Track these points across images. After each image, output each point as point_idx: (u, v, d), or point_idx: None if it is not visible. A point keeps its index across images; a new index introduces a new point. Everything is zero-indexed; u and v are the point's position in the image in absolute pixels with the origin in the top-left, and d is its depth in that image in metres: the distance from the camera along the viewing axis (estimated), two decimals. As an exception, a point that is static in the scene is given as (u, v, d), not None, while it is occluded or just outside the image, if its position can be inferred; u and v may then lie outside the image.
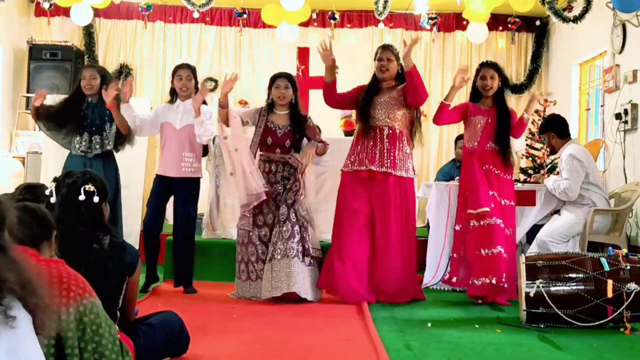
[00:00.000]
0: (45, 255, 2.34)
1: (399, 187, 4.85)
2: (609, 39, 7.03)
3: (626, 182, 6.39)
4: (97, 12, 8.15)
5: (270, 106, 4.99)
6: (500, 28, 8.86)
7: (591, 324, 3.91)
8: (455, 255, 5.00)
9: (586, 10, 6.55)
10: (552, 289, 3.98)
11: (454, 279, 4.98)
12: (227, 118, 4.84)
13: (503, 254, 4.72)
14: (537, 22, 8.84)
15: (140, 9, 8.58)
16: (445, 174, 6.75)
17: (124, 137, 5.07)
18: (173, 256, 5.26)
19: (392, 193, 4.82)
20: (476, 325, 4.06)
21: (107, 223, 2.84)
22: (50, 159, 6.30)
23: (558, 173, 5.62)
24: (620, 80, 6.82)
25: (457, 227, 5.01)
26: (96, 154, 4.99)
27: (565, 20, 6.67)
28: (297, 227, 4.75)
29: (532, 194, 5.49)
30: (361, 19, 9.15)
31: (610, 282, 3.89)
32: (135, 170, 6.41)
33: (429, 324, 4.06)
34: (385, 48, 4.98)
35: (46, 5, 7.24)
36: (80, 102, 5.04)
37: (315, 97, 5.26)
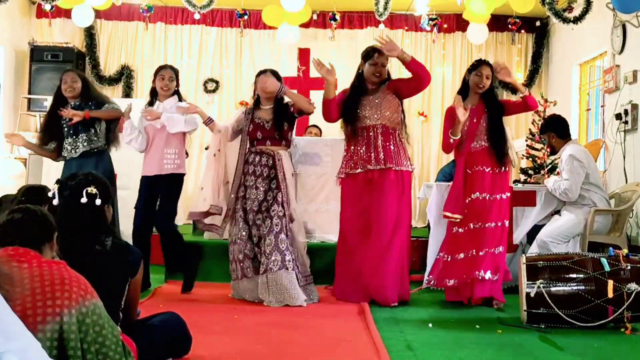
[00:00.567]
0: (46, 257, 2.36)
1: (398, 182, 4.85)
2: (609, 39, 7.04)
3: (626, 182, 6.39)
4: (98, 14, 8.16)
5: (257, 102, 5.03)
6: (501, 29, 8.88)
7: (592, 324, 3.92)
8: (443, 255, 4.90)
9: (586, 10, 6.56)
10: (553, 289, 3.99)
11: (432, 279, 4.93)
12: (213, 129, 5.04)
13: (490, 251, 4.70)
14: (538, 23, 8.86)
15: (141, 11, 8.59)
16: (445, 175, 6.74)
17: (115, 133, 5.19)
18: (165, 255, 5.29)
19: (392, 189, 4.81)
20: (477, 326, 4.07)
21: (109, 225, 2.85)
22: (51, 160, 6.30)
23: (558, 173, 5.63)
24: (621, 81, 6.83)
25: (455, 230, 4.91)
26: (84, 151, 5.07)
27: (565, 20, 6.68)
28: (288, 239, 4.77)
29: (533, 194, 5.50)
30: (362, 19, 9.16)
31: (610, 283, 3.90)
32: (136, 171, 6.38)
33: (430, 324, 4.07)
34: (382, 52, 4.88)
35: (47, 7, 7.23)
36: (63, 106, 5.11)
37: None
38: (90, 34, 8.94)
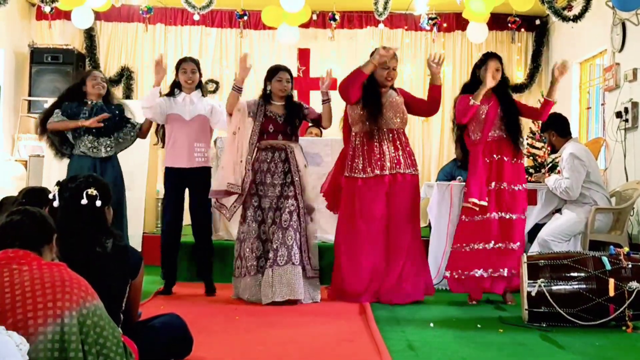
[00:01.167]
0: (46, 259, 2.36)
1: (413, 186, 4.92)
2: (608, 37, 7.03)
3: (627, 181, 6.39)
4: (98, 15, 8.16)
5: (267, 97, 5.03)
6: (501, 28, 8.87)
7: (593, 323, 3.91)
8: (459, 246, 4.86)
9: (586, 9, 6.55)
10: (554, 288, 3.99)
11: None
12: (234, 105, 4.91)
13: (502, 247, 4.73)
14: (537, 22, 8.85)
15: (140, 12, 8.59)
16: (446, 174, 6.75)
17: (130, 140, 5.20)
18: (197, 254, 5.31)
19: (410, 193, 4.88)
20: (478, 325, 4.07)
21: (110, 226, 2.85)
22: (52, 162, 6.30)
23: (559, 172, 5.63)
24: (621, 79, 6.83)
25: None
26: (106, 156, 5.01)
27: (565, 19, 6.67)
28: (298, 235, 4.79)
29: (534, 193, 5.50)
30: (361, 19, 9.16)
31: (612, 281, 3.89)
32: (138, 172, 6.42)
33: (431, 324, 4.07)
34: (394, 56, 4.86)
35: (47, 9, 7.24)
36: (81, 102, 5.04)
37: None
38: (90, 35, 8.93)
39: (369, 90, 4.87)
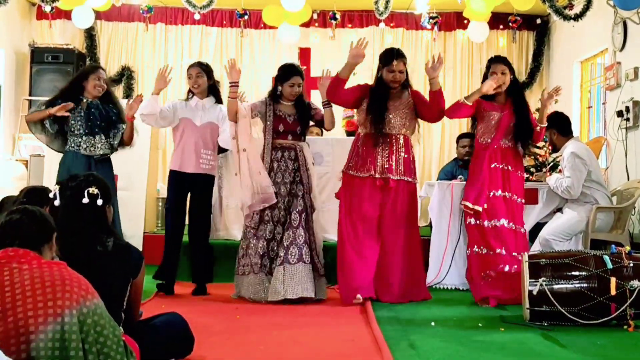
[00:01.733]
0: (46, 258, 2.36)
1: (409, 193, 4.89)
2: (609, 36, 7.03)
3: (628, 180, 6.39)
4: (99, 15, 8.16)
5: (277, 97, 5.01)
6: (501, 27, 8.86)
7: (594, 322, 3.91)
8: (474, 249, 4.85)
9: (587, 8, 6.54)
10: (555, 286, 3.98)
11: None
12: (235, 113, 4.86)
13: (503, 254, 4.71)
14: (538, 21, 8.84)
15: (141, 11, 8.59)
16: (447, 173, 6.75)
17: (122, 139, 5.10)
18: (192, 257, 5.28)
19: (405, 199, 4.85)
20: (479, 324, 4.07)
21: (110, 225, 2.85)
22: (53, 161, 6.28)
23: (560, 171, 5.62)
24: (622, 78, 6.82)
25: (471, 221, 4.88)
26: (102, 156, 4.95)
27: (566, 18, 6.66)
28: (307, 234, 4.81)
29: (535, 192, 5.50)
30: (362, 18, 9.16)
31: (613, 280, 3.89)
32: (138, 173, 6.42)
33: (433, 323, 4.06)
34: (400, 57, 4.83)
35: (48, 9, 7.24)
36: (77, 101, 4.96)
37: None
38: (90, 35, 8.94)
39: (375, 95, 4.85)
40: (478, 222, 4.80)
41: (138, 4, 8.57)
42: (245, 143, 4.88)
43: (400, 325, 4.04)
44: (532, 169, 7.19)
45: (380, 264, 4.81)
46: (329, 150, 6.08)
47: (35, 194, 3.46)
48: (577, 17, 6.63)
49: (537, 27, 8.97)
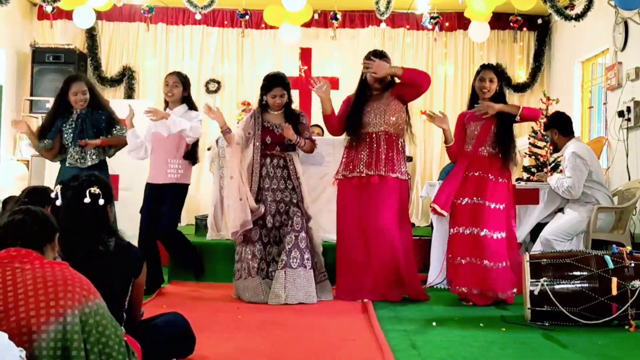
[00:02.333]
0: (48, 258, 2.36)
1: (396, 189, 4.88)
2: (611, 36, 7.03)
3: (629, 180, 6.39)
4: (100, 15, 8.16)
5: (264, 107, 5.01)
6: (502, 27, 8.87)
7: (596, 322, 3.91)
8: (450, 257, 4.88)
9: (588, 8, 6.53)
10: (557, 287, 3.98)
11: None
12: (231, 142, 4.92)
13: (481, 264, 4.66)
14: (539, 21, 8.84)
15: (142, 11, 8.58)
16: (448, 173, 6.73)
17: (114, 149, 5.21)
18: (170, 255, 5.37)
19: (390, 195, 4.84)
20: (481, 324, 4.07)
21: (112, 225, 2.86)
22: (51, 161, 6.31)
23: (561, 171, 5.62)
24: (623, 78, 6.82)
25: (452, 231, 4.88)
26: (92, 164, 5.00)
27: (567, 18, 6.66)
28: (308, 240, 4.83)
29: (536, 192, 5.50)
30: (363, 19, 9.17)
31: (614, 280, 3.89)
32: (139, 173, 6.39)
33: (434, 323, 4.07)
34: (383, 58, 4.89)
35: (49, 9, 7.24)
36: (66, 114, 5.04)
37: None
38: (91, 35, 8.95)
39: (353, 102, 4.96)
40: (461, 230, 4.76)
41: (139, 4, 8.58)
42: (234, 170, 4.92)
43: (401, 325, 4.04)
44: (533, 169, 7.19)
45: (368, 262, 4.82)
46: (329, 150, 6.07)
47: (36, 194, 3.46)
48: (578, 17, 6.63)
49: (538, 27, 8.97)
